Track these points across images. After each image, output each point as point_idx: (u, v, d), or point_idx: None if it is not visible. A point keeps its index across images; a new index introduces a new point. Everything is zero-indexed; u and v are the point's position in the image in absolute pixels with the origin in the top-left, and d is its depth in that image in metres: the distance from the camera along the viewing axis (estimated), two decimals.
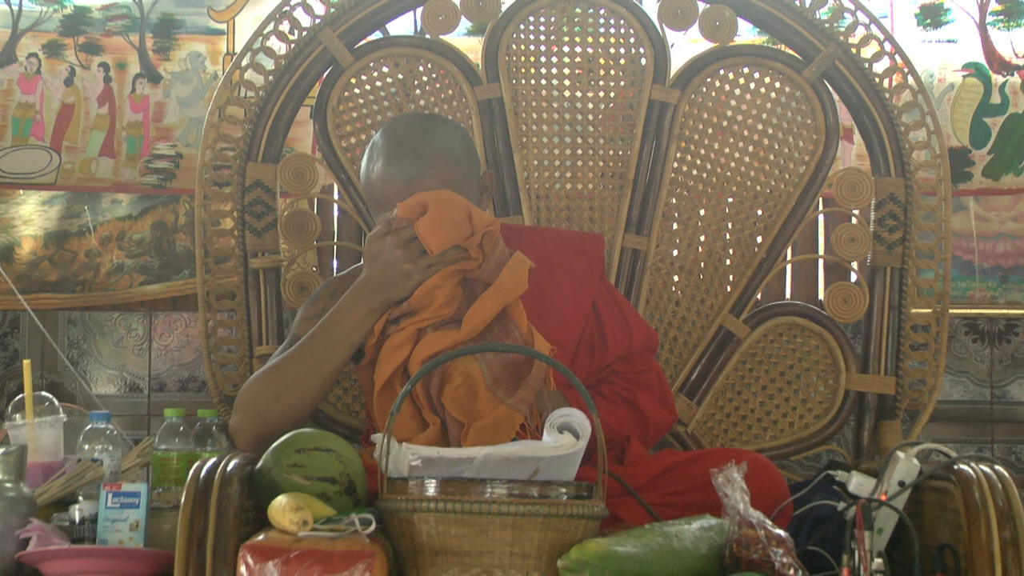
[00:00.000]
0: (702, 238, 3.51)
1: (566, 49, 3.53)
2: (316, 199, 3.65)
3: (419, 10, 3.52)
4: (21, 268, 3.81)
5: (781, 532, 2.58)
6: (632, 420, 3.09)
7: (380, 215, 2.98)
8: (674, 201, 3.51)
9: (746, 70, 3.53)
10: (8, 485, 2.85)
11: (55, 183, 3.77)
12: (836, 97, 3.51)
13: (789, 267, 3.82)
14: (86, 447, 3.06)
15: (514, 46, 3.52)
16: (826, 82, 3.50)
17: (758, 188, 3.51)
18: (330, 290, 3.11)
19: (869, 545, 2.56)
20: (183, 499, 2.56)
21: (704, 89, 3.52)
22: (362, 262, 3.03)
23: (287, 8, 3.48)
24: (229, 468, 2.60)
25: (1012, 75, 3.79)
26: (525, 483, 2.50)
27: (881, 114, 3.48)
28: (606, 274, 3.34)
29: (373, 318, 2.93)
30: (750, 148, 3.52)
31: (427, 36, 3.52)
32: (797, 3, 3.49)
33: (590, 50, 3.53)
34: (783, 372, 3.51)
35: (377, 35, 3.52)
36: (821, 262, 3.85)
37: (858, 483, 2.88)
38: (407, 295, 2.91)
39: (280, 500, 2.53)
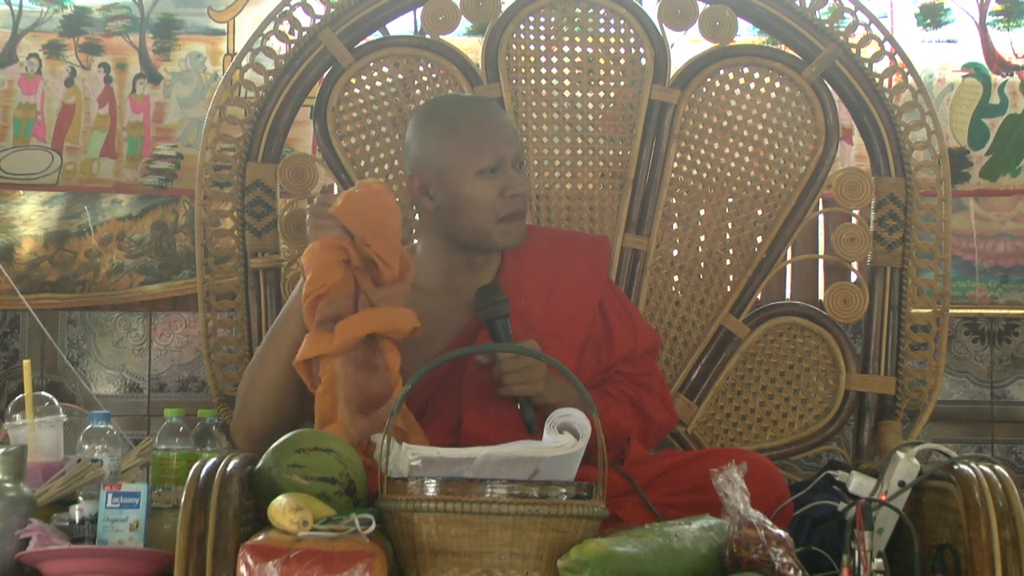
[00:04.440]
0: (702, 238, 3.51)
1: (566, 49, 3.53)
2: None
3: (419, 10, 3.52)
4: (21, 268, 3.81)
5: (781, 532, 2.58)
6: (636, 420, 3.10)
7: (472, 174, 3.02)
8: (674, 201, 3.51)
9: (746, 70, 3.53)
10: (8, 485, 2.85)
11: (57, 184, 3.77)
12: (836, 97, 3.51)
13: (789, 267, 3.82)
14: (86, 447, 3.06)
15: (514, 46, 3.52)
16: (826, 82, 3.50)
17: (758, 188, 3.51)
18: None
19: (869, 545, 2.56)
20: (183, 499, 2.57)
21: (704, 89, 3.52)
22: None
23: (287, 8, 3.48)
24: (229, 468, 2.60)
25: (1012, 75, 3.79)
26: (525, 483, 2.50)
27: (881, 114, 3.48)
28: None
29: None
30: (750, 148, 3.51)
31: (427, 36, 3.52)
32: (797, 3, 3.49)
33: (590, 50, 3.53)
34: (783, 372, 3.51)
35: (377, 35, 3.52)
36: (821, 262, 3.85)
37: (858, 483, 2.88)
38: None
39: (280, 500, 2.53)
